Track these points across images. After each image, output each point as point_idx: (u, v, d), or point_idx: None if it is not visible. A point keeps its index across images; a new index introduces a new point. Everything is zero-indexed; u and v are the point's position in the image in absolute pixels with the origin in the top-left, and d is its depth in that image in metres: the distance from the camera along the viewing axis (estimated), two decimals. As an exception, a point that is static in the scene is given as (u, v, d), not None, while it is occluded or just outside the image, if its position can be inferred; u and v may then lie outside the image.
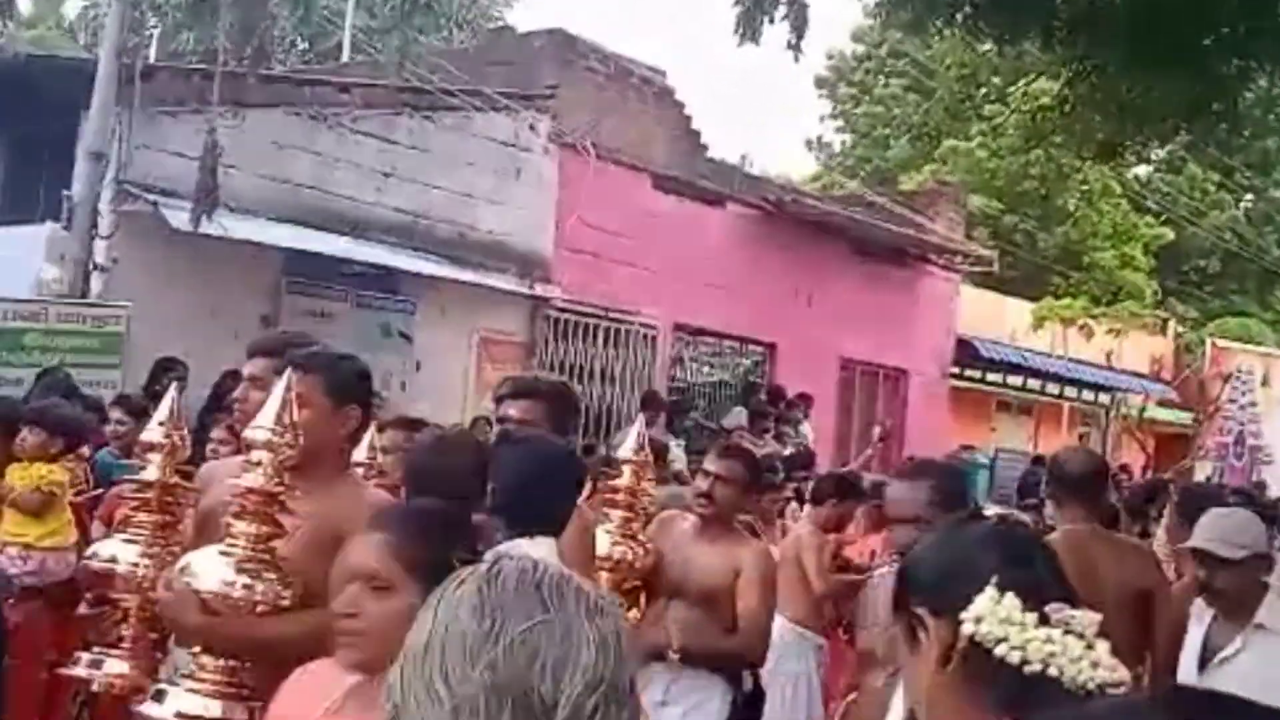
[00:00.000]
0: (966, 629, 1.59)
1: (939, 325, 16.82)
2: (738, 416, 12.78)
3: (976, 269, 17.76)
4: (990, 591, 1.61)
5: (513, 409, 3.73)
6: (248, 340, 10.31)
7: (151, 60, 10.01)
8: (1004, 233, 23.79)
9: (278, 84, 10.41)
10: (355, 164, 10.64)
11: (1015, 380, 19.19)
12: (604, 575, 3.89)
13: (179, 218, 8.71)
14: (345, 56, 14.49)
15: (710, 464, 4.50)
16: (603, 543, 3.93)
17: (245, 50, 9.49)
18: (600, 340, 12.72)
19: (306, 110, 10.32)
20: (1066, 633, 1.59)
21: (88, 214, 8.93)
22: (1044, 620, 1.59)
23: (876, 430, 13.02)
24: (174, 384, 4.32)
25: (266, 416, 2.80)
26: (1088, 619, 1.62)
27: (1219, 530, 3.94)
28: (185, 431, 3.38)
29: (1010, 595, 1.60)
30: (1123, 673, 1.58)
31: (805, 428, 12.71)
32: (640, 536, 4.27)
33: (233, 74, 9.38)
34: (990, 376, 18.66)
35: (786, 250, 14.09)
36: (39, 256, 9.01)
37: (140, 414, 5.77)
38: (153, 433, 3.30)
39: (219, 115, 8.95)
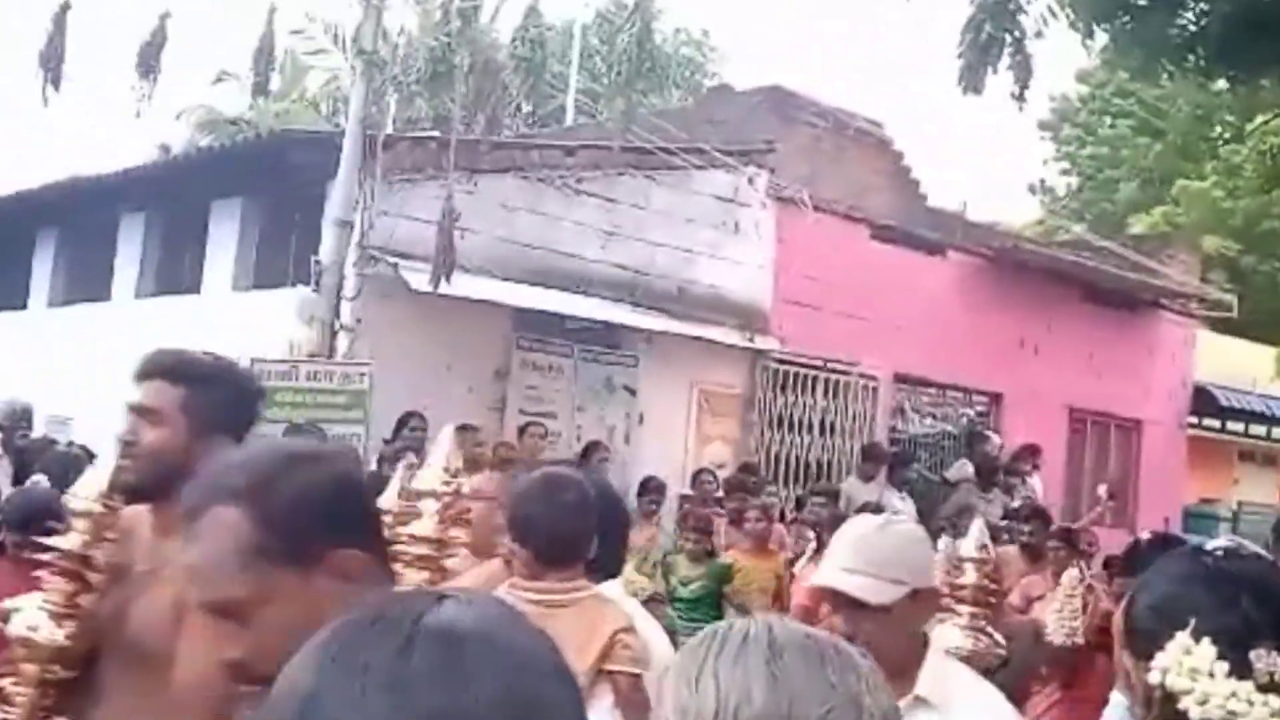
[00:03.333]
0: (1153, 678, 1.52)
1: (1174, 373, 16.16)
2: (962, 468, 12.55)
3: (1214, 314, 17.00)
4: (1182, 638, 1.51)
5: (142, 394, 2.67)
6: (482, 394, 10.74)
7: (389, 130, 10.55)
8: (1243, 275, 22.69)
9: (507, 149, 10.84)
10: (580, 223, 10.98)
11: (1259, 429, 18.25)
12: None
13: (418, 279, 9.14)
14: (569, 119, 14.98)
15: None
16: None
17: (477, 118, 9.93)
18: (820, 392, 12.70)
19: (534, 173, 10.72)
20: (1267, 686, 1.48)
21: (335, 278, 9.46)
22: (1243, 670, 1.49)
23: (1103, 488, 12.52)
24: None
25: None
26: None
27: (855, 555, 2.52)
28: None
29: (1206, 642, 1.51)
30: None
31: (1034, 480, 12.38)
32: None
33: (466, 141, 9.83)
34: (1231, 425, 17.80)
35: (1011, 298, 13.82)
36: (290, 319, 9.58)
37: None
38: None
39: (454, 181, 9.39)
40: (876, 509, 9.37)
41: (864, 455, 11.96)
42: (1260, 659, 1.48)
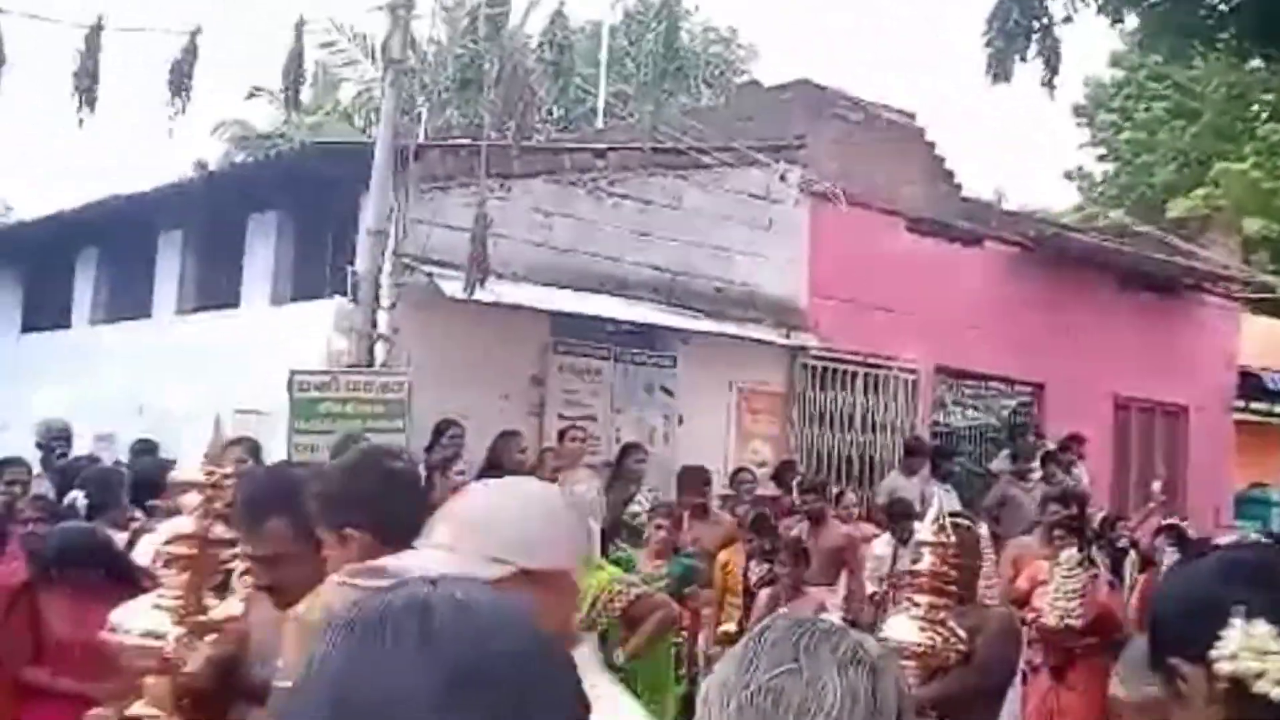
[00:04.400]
0: (1222, 667, 1.51)
1: (1219, 357, 15.96)
2: (1005, 460, 12.45)
3: (1258, 296, 16.78)
4: (1238, 623, 1.51)
5: None
6: (520, 400, 10.75)
7: (420, 138, 10.59)
8: (1287, 256, 22.39)
9: (539, 154, 10.85)
10: (613, 225, 10.97)
11: (1308, 412, 17.98)
12: None
13: (453, 287, 9.16)
14: (600, 122, 14.98)
15: None
16: None
17: (507, 123, 9.94)
18: (860, 387, 12.63)
19: (566, 177, 10.73)
20: None
21: (371, 288, 9.50)
22: None
23: (1156, 485, 12.19)
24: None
25: None
26: None
27: (447, 528, 1.94)
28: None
29: (1261, 622, 1.50)
30: None
31: (1079, 470, 12.25)
32: None
33: (497, 147, 9.85)
34: (1279, 409, 17.56)
35: (1050, 286, 13.70)
36: (328, 330, 9.63)
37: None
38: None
39: (486, 187, 9.40)
40: (906, 506, 9.30)
41: (906, 450, 11.88)
42: None
